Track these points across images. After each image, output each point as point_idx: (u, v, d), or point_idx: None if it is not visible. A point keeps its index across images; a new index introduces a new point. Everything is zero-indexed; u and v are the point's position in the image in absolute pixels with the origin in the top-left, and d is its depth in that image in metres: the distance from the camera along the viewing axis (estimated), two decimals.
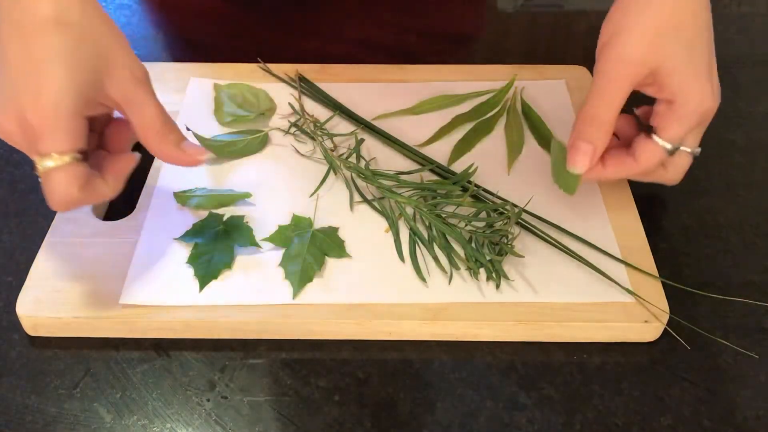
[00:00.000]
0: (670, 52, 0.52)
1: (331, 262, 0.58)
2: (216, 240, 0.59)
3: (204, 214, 0.61)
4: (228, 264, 0.57)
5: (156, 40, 0.86)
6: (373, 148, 0.68)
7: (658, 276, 0.57)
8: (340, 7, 0.85)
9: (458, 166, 0.66)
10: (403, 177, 0.64)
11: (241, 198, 0.62)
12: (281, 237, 0.59)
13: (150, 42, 0.85)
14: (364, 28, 0.85)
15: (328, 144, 0.67)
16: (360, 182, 0.64)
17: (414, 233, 0.59)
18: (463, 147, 0.68)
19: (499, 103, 0.73)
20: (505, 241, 0.58)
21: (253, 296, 0.56)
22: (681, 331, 0.55)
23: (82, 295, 0.55)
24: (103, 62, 0.49)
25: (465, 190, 0.62)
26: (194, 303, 0.55)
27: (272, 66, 0.76)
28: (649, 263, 0.58)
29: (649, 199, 0.66)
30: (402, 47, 0.83)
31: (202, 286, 0.56)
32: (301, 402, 0.52)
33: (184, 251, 0.58)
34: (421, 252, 0.59)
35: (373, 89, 0.74)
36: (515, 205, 0.61)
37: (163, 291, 0.56)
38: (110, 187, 0.52)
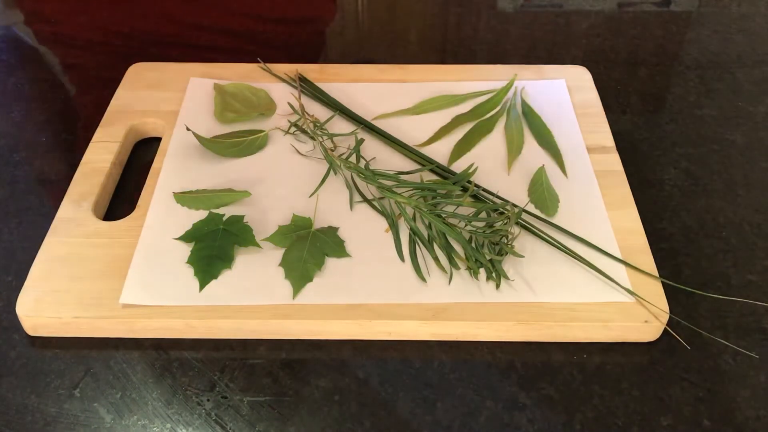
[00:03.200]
0: None
1: (331, 262, 0.58)
2: (216, 240, 0.58)
3: (204, 214, 0.61)
4: (228, 264, 0.57)
5: (156, 41, 0.86)
6: (373, 148, 0.68)
7: (658, 276, 0.57)
8: None
9: (458, 166, 0.66)
10: (403, 177, 0.64)
11: (240, 198, 0.62)
12: (281, 237, 0.59)
13: (150, 42, 0.85)
14: (220, 18, 0.89)
15: (328, 144, 0.67)
16: (360, 182, 0.64)
17: (414, 233, 0.59)
18: (463, 147, 0.68)
19: (499, 103, 0.73)
20: (505, 241, 0.58)
21: (253, 296, 0.56)
22: (681, 331, 0.55)
23: (82, 295, 0.55)
24: None
25: (465, 190, 0.62)
26: (194, 303, 0.55)
27: (272, 66, 0.76)
28: (649, 263, 0.58)
29: (649, 199, 0.66)
30: (255, 34, 0.88)
31: (202, 286, 0.56)
32: (301, 402, 0.52)
33: (184, 251, 0.58)
34: (421, 252, 0.59)
35: (373, 89, 0.74)
36: (515, 205, 0.61)
37: (163, 291, 0.56)
38: None
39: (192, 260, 0.57)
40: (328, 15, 0.94)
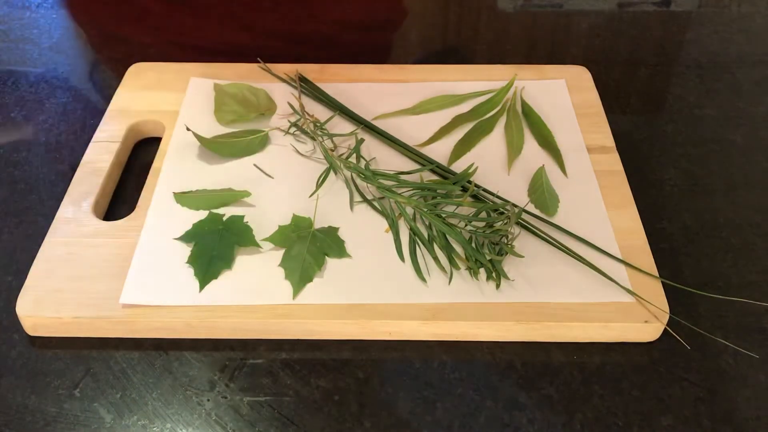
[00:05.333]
0: None
1: (331, 262, 0.58)
2: (216, 240, 0.58)
3: (204, 214, 0.61)
4: (228, 264, 0.57)
5: (156, 41, 0.86)
6: (373, 148, 0.68)
7: (658, 276, 0.57)
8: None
9: (458, 166, 0.66)
10: (403, 177, 0.64)
11: (240, 197, 0.62)
12: (281, 237, 0.59)
13: (150, 43, 0.85)
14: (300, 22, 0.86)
15: (328, 144, 0.67)
16: (360, 182, 0.64)
17: (414, 233, 0.59)
18: (463, 147, 0.68)
19: (499, 103, 0.73)
20: (505, 241, 0.58)
21: (253, 296, 0.56)
22: (681, 331, 0.55)
23: (82, 295, 0.55)
24: None
25: (465, 190, 0.62)
26: (194, 303, 0.55)
27: (272, 66, 0.76)
28: (649, 263, 0.58)
29: (649, 199, 0.66)
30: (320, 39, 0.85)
31: (202, 286, 0.56)
32: (301, 402, 0.52)
33: (184, 251, 0.58)
34: (421, 252, 0.59)
35: (373, 89, 0.74)
36: (515, 205, 0.61)
37: (163, 291, 0.56)
38: None
39: (192, 260, 0.57)
40: (397, 18, 0.89)
